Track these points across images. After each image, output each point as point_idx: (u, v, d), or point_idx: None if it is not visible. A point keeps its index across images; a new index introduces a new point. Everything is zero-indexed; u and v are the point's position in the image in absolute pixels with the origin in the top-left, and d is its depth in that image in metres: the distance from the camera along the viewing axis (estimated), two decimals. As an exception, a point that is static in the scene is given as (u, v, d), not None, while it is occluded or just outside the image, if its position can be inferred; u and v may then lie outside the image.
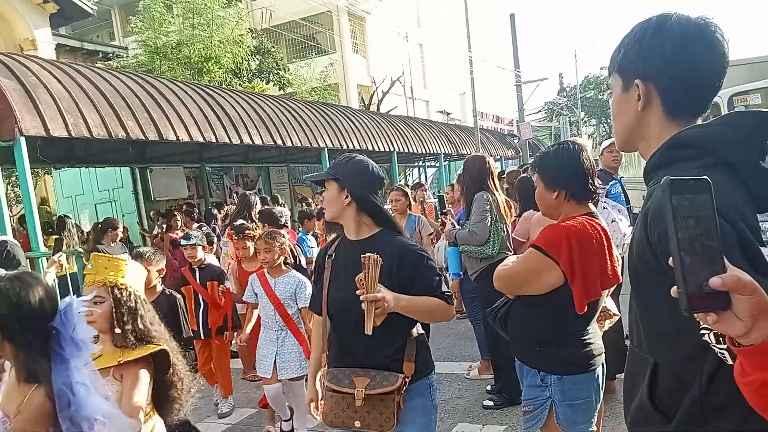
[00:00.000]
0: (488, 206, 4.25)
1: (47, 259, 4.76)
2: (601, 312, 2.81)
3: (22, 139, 5.98)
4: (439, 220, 7.51)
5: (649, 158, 1.29)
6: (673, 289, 0.85)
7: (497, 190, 4.44)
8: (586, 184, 2.30)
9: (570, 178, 2.29)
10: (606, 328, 2.90)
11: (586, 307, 2.19)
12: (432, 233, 6.16)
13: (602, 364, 2.40)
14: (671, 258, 0.85)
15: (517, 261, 2.36)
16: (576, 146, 2.34)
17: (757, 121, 1.18)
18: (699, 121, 1.29)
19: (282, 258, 4.13)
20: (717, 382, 1.09)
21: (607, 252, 2.26)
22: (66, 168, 12.13)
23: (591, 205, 2.37)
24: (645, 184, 1.30)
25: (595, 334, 2.39)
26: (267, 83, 18.80)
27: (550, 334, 2.31)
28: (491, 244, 4.27)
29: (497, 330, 2.56)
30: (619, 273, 2.36)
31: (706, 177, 0.85)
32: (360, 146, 12.66)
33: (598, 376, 2.35)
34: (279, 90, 19.30)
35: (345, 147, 12.12)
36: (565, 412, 2.28)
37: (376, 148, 13.35)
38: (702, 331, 0.97)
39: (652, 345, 1.25)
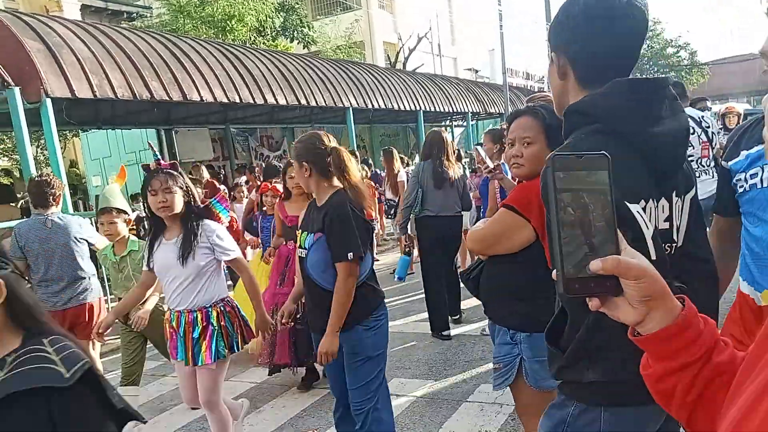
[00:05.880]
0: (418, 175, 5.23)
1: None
2: None
3: (48, 101, 6.02)
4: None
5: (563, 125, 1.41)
6: (553, 272, 0.76)
7: (448, 161, 5.21)
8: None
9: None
10: None
11: None
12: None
13: None
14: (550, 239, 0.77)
15: (489, 221, 2.41)
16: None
17: (631, 89, 1.28)
18: None
19: None
20: (600, 326, 1.21)
21: None
22: (93, 130, 12.23)
23: None
24: None
25: None
26: (291, 41, 18.54)
27: (520, 291, 2.36)
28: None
29: (470, 291, 2.63)
30: None
31: (604, 152, 0.75)
32: (385, 105, 12.49)
33: None
34: (303, 48, 19.05)
35: (370, 106, 11.96)
36: (533, 368, 2.33)
37: (402, 108, 13.16)
38: None
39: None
